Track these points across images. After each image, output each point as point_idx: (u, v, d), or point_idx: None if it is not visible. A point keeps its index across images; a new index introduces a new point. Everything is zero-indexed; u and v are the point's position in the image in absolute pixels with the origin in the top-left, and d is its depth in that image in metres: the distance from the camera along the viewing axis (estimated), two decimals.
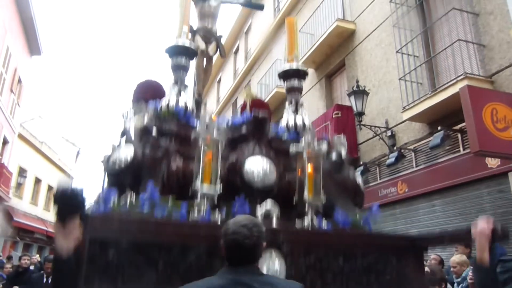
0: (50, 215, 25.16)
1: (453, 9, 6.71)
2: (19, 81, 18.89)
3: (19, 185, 20.65)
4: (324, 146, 3.25)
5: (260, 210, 2.87)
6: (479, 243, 2.10)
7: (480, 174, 6.36)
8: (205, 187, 2.79)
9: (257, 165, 3.02)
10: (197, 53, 4.09)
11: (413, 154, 7.73)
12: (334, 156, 3.30)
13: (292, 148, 3.20)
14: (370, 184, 8.43)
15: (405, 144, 7.85)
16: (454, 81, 6.45)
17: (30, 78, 21.28)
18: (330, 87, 11.04)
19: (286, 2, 13.64)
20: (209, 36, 5.32)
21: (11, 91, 17.65)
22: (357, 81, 8.57)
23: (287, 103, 3.83)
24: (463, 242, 3.96)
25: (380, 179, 8.44)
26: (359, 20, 9.71)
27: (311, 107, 11.46)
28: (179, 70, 3.64)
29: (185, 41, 3.65)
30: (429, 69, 7.55)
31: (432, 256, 5.68)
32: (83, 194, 1.75)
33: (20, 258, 7.76)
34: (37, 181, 23.56)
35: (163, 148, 3.02)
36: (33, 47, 19.90)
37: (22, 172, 21.07)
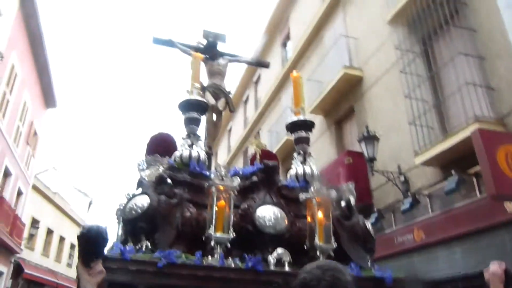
0: (61, 267, 25.01)
1: (459, 54, 6.87)
2: (35, 133, 19.56)
3: (31, 236, 20.82)
4: (333, 194, 3.30)
5: (272, 256, 2.90)
6: (493, 285, 2.12)
7: (500, 219, 6.22)
8: (218, 233, 2.85)
9: (268, 213, 3.08)
10: (208, 108, 4.28)
11: (427, 199, 7.65)
12: (343, 203, 3.35)
13: (302, 196, 3.26)
14: (386, 232, 8.29)
15: (419, 189, 7.79)
16: (465, 124, 6.50)
17: (45, 130, 21.97)
18: (340, 133, 11.16)
19: (294, 51, 14.09)
20: (218, 92, 5.63)
21: (27, 143, 18.21)
22: (367, 127, 8.66)
23: (295, 153, 3.93)
24: (478, 286, 3.86)
25: (395, 226, 8.31)
26: (366, 66, 9.96)
27: (321, 154, 11.54)
28: (191, 124, 3.80)
29: (197, 97, 3.84)
30: (439, 113, 7.63)
31: None
32: (107, 233, 1.81)
33: None
34: (49, 232, 23.68)
35: (177, 197, 3.12)
36: (48, 100, 20.75)
37: (34, 223, 21.34)
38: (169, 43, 6.20)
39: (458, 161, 6.88)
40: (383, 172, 8.35)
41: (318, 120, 11.94)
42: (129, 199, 3.17)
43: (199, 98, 3.92)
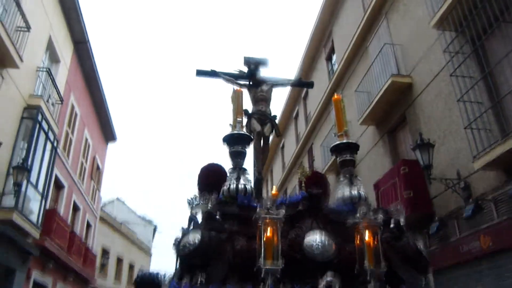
0: None
1: None
2: (98, 168, 20.70)
3: (102, 266, 21.98)
4: (380, 216, 3.31)
5: (322, 282, 2.96)
6: None
7: None
8: (268, 263, 2.96)
9: (315, 240, 3.16)
10: (252, 139, 4.43)
11: (492, 204, 7.30)
12: (392, 224, 3.35)
13: (350, 220, 3.30)
14: (451, 240, 7.99)
15: (482, 195, 7.46)
16: None
17: (107, 164, 23.15)
18: (394, 142, 10.91)
19: (340, 64, 14.04)
20: (264, 118, 5.72)
21: (91, 178, 19.33)
22: (421, 134, 8.44)
23: (341, 176, 3.97)
24: None
25: (459, 234, 7.98)
26: (415, 72, 9.73)
27: (375, 165, 11.34)
28: (237, 158, 3.96)
29: (240, 131, 4.01)
30: (496, 114, 7.30)
31: None
32: (158, 278, 2.00)
33: None
34: (119, 260, 24.87)
35: (227, 230, 3.28)
36: (107, 135, 21.99)
37: (105, 253, 22.48)
38: (212, 74, 6.34)
39: None
40: (441, 179, 8.09)
41: (370, 130, 11.78)
42: (183, 236, 3.37)
43: (242, 132, 4.09)
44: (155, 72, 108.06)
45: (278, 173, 23.08)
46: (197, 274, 3.08)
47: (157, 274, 2.01)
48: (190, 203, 3.67)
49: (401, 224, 3.39)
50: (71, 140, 15.88)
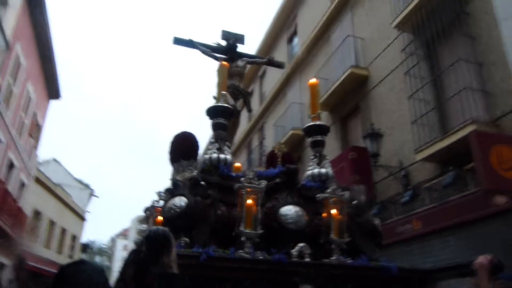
0: (63, 258, 25.51)
1: (459, 60, 7.33)
2: (37, 125, 19.72)
3: (33, 228, 21.00)
4: (347, 194, 3.79)
5: (294, 250, 3.40)
6: (480, 274, 2.64)
7: (490, 211, 6.77)
8: (248, 230, 3.34)
9: (290, 211, 3.58)
10: (234, 113, 4.72)
11: (426, 192, 8.18)
12: (355, 202, 3.85)
13: (320, 196, 3.74)
14: (387, 222, 8.84)
15: (419, 183, 8.32)
16: (463, 125, 6.99)
17: (47, 122, 22.07)
18: (345, 129, 11.64)
19: (301, 48, 14.49)
20: (237, 93, 5.98)
21: (30, 135, 18.40)
22: (372, 124, 9.15)
23: (311, 156, 4.39)
24: (469, 275, 4.39)
25: (395, 217, 8.85)
26: (372, 66, 10.40)
27: (326, 148, 11.92)
28: (219, 129, 4.26)
29: (224, 104, 4.30)
30: (439, 114, 8.11)
31: None
32: (170, 235, 2.27)
33: None
34: (51, 224, 23.93)
35: (210, 197, 3.61)
36: (52, 91, 20.83)
37: (37, 215, 21.54)
38: (190, 44, 6.42)
39: (455, 158, 7.38)
40: (385, 167, 8.87)
41: (324, 115, 12.40)
42: (168, 200, 3.65)
43: (226, 105, 4.37)
44: (115, 31, 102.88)
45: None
46: (182, 236, 3.35)
47: (168, 231, 2.29)
48: (176, 169, 3.94)
49: (362, 201, 3.90)
50: (12, 93, 14.86)
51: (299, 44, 15.46)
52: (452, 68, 7.62)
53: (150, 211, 4.42)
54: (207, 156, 4.12)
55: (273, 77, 16.91)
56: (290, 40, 16.77)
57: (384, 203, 9.06)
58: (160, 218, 4.01)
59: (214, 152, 4.13)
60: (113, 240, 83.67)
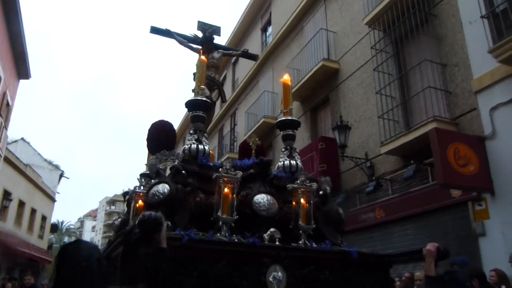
0: (33, 238, 25.25)
1: (425, 60, 7.80)
2: (7, 104, 19.36)
3: (4, 208, 20.83)
4: (314, 184, 4.13)
5: (266, 234, 3.72)
6: (427, 259, 3.04)
7: (446, 202, 7.35)
8: (225, 215, 3.63)
9: (263, 199, 3.89)
10: (213, 107, 4.96)
11: (389, 183, 8.71)
12: (321, 192, 4.20)
13: (289, 186, 4.07)
14: (351, 210, 9.35)
15: (383, 175, 8.84)
16: (425, 122, 7.49)
17: (16, 102, 21.65)
18: (315, 119, 12.06)
19: (275, 37, 14.74)
20: (212, 84, 6.20)
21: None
22: (341, 117, 9.58)
23: (282, 148, 4.71)
24: (420, 260, 4.88)
25: (359, 205, 9.38)
26: (343, 60, 10.80)
27: (297, 137, 12.39)
28: (198, 121, 4.49)
29: (203, 98, 4.53)
30: (404, 110, 8.61)
31: (406, 274, 6.63)
32: (162, 219, 2.56)
33: (23, 278, 8.55)
34: (21, 204, 23.73)
35: (190, 185, 3.88)
36: (21, 70, 20.45)
37: (7, 195, 21.24)
38: (167, 34, 6.56)
39: (417, 152, 7.91)
40: (352, 157, 9.35)
41: (295, 106, 12.74)
42: (151, 186, 3.90)
43: (204, 99, 4.61)
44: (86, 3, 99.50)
45: None
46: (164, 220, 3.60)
47: (160, 215, 2.56)
48: (158, 158, 4.17)
49: (327, 192, 4.25)
50: None
51: (272, 33, 15.71)
52: (417, 67, 8.09)
53: (131, 196, 4.64)
54: (186, 147, 4.36)
55: (246, 65, 17.12)
56: (264, 29, 16.98)
57: (349, 192, 9.57)
58: (140, 202, 4.26)
59: (193, 143, 4.37)
60: (81, 221, 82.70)
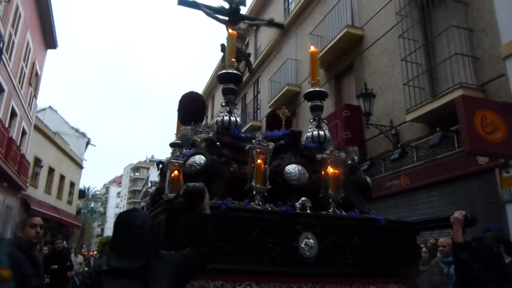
0: (62, 204, 26.28)
1: (452, 26, 7.66)
2: (36, 74, 19.92)
3: (35, 175, 21.58)
4: (343, 154, 4.27)
5: (297, 203, 3.91)
6: (455, 226, 3.18)
7: (472, 169, 7.40)
8: (258, 185, 3.83)
9: (294, 169, 4.07)
10: (243, 79, 5.09)
11: (414, 151, 8.77)
12: (349, 161, 4.34)
13: (319, 156, 4.22)
14: (376, 177, 9.48)
15: (408, 142, 8.89)
16: (451, 89, 7.45)
17: (45, 71, 22.31)
18: (339, 87, 12.03)
19: (297, 4, 14.54)
20: (239, 55, 6.27)
21: (29, 84, 18.66)
22: (365, 84, 9.56)
23: (311, 119, 4.83)
24: (447, 227, 5.02)
25: (384, 173, 9.48)
26: (367, 27, 10.65)
27: None
28: (229, 94, 4.64)
29: (234, 71, 4.66)
30: (430, 77, 8.54)
31: (431, 240, 6.79)
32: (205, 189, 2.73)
33: (54, 242, 9.06)
34: (51, 171, 24.55)
35: (225, 156, 4.07)
36: (49, 41, 20.91)
37: (37, 162, 21.97)
38: (194, 5, 6.62)
39: (443, 119, 7.91)
40: (377, 125, 9.39)
41: (319, 73, 12.74)
42: (187, 157, 4.11)
43: (236, 72, 4.74)
44: None
45: (221, 99, 23.62)
46: None
47: (203, 185, 2.74)
48: (193, 130, 4.37)
49: (355, 161, 4.39)
50: (13, 42, 15.09)
51: (295, 0, 15.46)
52: (444, 33, 7.96)
53: (167, 165, 4.88)
54: (219, 119, 4.53)
55: (268, 32, 16.97)
56: None
57: (374, 160, 9.66)
58: (176, 172, 4.49)
59: (225, 115, 4.54)
60: (106, 187, 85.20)
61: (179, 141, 5.21)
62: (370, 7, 10.55)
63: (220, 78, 4.76)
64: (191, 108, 5.74)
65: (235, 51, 4.96)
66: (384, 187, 9.16)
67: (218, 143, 4.12)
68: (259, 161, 3.96)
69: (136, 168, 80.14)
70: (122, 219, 2.37)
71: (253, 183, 3.84)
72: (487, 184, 7.25)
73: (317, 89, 4.99)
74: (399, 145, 8.99)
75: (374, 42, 10.23)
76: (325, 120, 4.97)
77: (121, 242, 2.25)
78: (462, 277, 3.31)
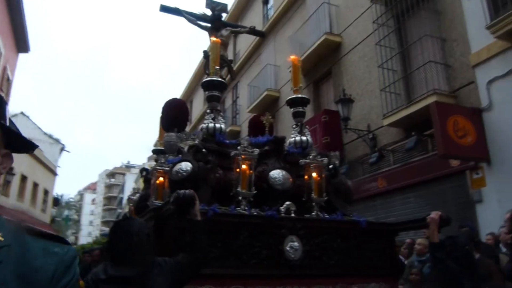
0: (36, 212, 25.71)
1: (425, 35, 7.99)
2: (8, 79, 19.42)
3: (7, 183, 21.03)
4: (325, 159, 4.44)
5: (282, 207, 4.05)
6: (431, 226, 3.37)
7: (445, 172, 7.71)
8: (244, 190, 3.94)
9: (278, 175, 4.21)
10: (227, 86, 5.21)
11: (391, 154, 9.05)
12: (331, 166, 4.51)
13: (302, 161, 4.37)
14: (354, 180, 9.71)
15: (385, 146, 9.17)
16: (426, 95, 7.76)
17: (17, 76, 21.64)
18: (318, 92, 12.27)
19: (276, 10, 14.75)
20: (221, 62, 6.37)
21: (0, 89, 18.16)
22: (344, 90, 9.81)
23: (293, 125, 4.99)
24: (424, 228, 5.25)
25: (362, 175, 9.74)
26: (345, 34, 10.93)
27: None
28: (214, 101, 4.75)
29: (218, 79, 4.77)
30: (405, 83, 8.85)
31: (407, 240, 7.05)
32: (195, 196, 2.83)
33: None
34: (23, 178, 23.99)
35: (211, 163, 4.18)
36: (21, 45, 20.40)
37: (9, 170, 21.43)
38: (176, 12, 6.69)
39: (418, 124, 8.19)
40: (355, 130, 9.65)
41: None
42: (174, 164, 4.19)
43: (220, 79, 4.85)
44: None
45: (199, 105, 23.66)
46: None
47: (193, 192, 2.83)
48: (180, 137, 4.46)
49: (337, 166, 4.57)
50: None
51: (274, 6, 15.68)
52: (418, 41, 8.28)
53: (152, 173, 4.93)
54: (204, 126, 4.64)
55: (247, 38, 17.10)
56: (265, 1, 16.91)
57: (352, 163, 9.92)
58: (161, 179, 4.57)
59: (210, 122, 4.64)
60: (80, 194, 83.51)
61: (162, 148, 5.28)
62: (348, 15, 10.84)
63: (204, 85, 4.85)
64: (174, 114, 5.83)
65: (219, 58, 5.07)
66: (362, 190, 9.39)
67: (204, 149, 4.22)
68: (244, 167, 4.07)
69: (111, 174, 78.72)
70: (119, 227, 2.43)
71: (238, 189, 3.94)
72: (459, 185, 7.59)
73: (299, 95, 5.15)
74: (376, 149, 9.26)
75: (352, 49, 10.50)
76: (307, 126, 5.13)
77: (119, 250, 2.30)
78: (439, 275, 3.50)
